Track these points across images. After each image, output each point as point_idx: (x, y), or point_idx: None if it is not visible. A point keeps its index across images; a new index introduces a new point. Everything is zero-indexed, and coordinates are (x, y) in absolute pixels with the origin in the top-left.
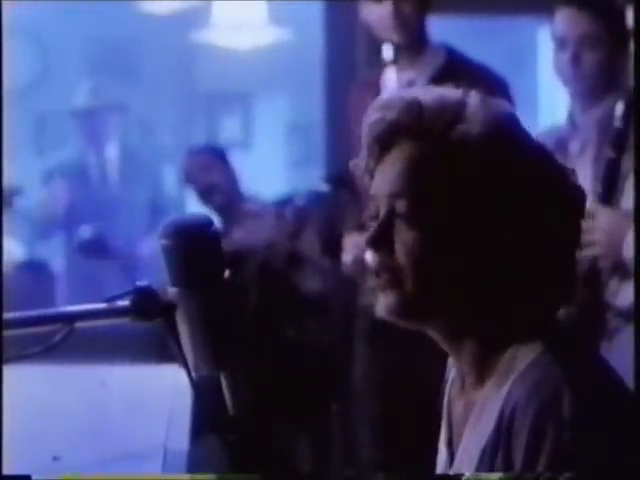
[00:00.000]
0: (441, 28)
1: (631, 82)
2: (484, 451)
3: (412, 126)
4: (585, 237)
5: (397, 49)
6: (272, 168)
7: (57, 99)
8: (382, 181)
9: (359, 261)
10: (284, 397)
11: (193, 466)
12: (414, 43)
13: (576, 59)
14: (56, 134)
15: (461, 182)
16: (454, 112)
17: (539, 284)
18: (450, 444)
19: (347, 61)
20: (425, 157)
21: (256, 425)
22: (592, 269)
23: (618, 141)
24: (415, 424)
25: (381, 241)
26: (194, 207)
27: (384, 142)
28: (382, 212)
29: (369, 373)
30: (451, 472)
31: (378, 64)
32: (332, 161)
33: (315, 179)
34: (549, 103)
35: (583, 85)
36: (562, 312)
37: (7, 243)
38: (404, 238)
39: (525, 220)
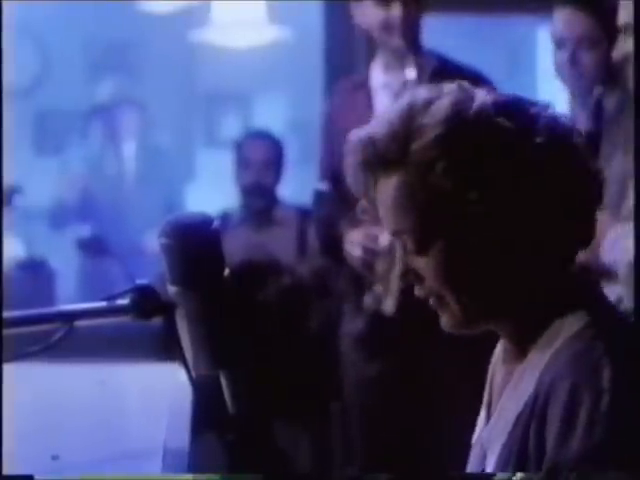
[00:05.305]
0: (441, 27)
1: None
2: (519, 417)
3: (378, 162)
4: None
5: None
6: None
7: (57, 98)
8: (383, 218)
9: (369, 251)
10: (284, 396)
11: (193, 465)
12: (413, 46)
13: (574, 59)
14: (56, 133)
15: (446, 196)
16: (403, 133)
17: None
18: (489, 407)
19: (346, 60)
20: (404, 188)
21: (256, 424)
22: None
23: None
24: (415, 423)
25: (411, 274)
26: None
27: (366, 182)
28: (398, 247)
29: (369, 372)
30: (485, 433)
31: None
32: (330, 160)
33: (314, 178)
34: (549, 101)
35: (582, 84)
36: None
37: (7, 242)
38: (423, 267)
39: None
